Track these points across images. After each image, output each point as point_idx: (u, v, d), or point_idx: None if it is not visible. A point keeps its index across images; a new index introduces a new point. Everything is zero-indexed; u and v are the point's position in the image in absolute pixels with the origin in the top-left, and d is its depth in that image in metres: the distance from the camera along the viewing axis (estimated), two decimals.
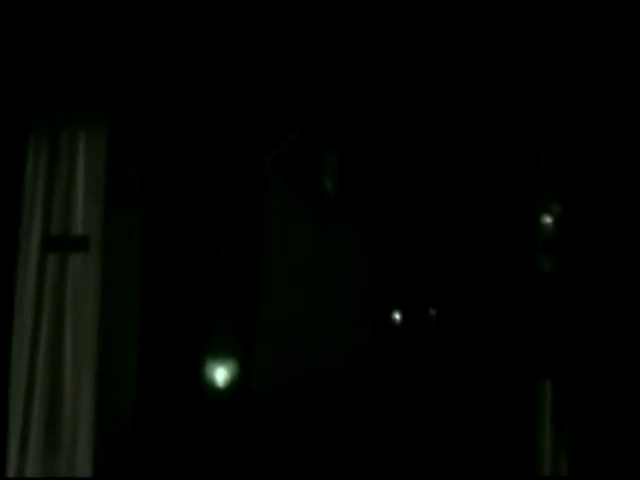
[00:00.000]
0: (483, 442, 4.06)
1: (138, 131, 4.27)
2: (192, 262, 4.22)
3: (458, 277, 4.15)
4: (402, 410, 4.12)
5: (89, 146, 4.29)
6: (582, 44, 4.16)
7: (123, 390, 4.20)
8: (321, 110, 4.30)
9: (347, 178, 4.25)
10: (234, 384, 4.17)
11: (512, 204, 4.20)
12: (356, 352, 4.18)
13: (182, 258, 4.21)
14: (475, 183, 4.23)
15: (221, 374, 4.17)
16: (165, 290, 4.20)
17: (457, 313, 4.15)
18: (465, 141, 4.25)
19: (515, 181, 4.22)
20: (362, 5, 4.24)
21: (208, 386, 4.14)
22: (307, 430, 4.10)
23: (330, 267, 4.22)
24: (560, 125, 4.25)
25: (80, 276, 4.21)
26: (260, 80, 4.28)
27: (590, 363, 4.05)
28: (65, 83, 4.29)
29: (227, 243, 4.21)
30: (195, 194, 4.24)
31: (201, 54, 4.28)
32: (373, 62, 4.26)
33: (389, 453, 4.10)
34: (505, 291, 4.12)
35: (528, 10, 4.14)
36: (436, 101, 4.27)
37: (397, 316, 4.24)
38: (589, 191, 4.18)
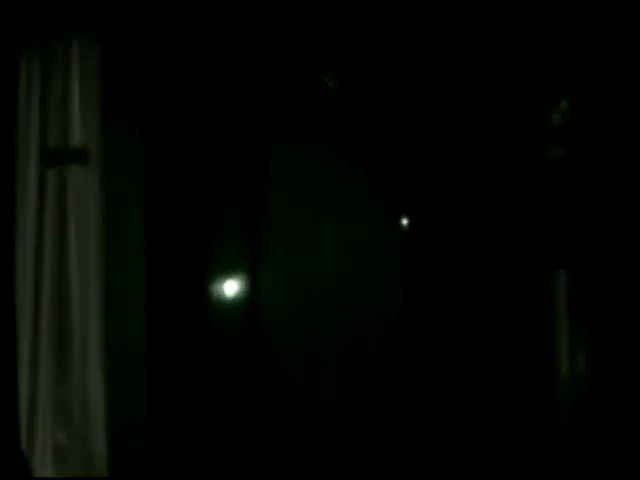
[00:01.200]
0: (498, 336, 4.00)
1: (134, 38, 4.17)
2: (195, 171, 4.14)
3: (468, 167, 4.06)
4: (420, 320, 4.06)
5: (84, 56, 4.18)
6: None
7: (131, 305, 4.16)
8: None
9: (350, 78, 4.16)
10: (243, 300, 4.11)
11: (520, 91, 4.09)
12: (366, 269, 4.10)
13: (184, 167, 4.14)
14: (482, 68, 4.13)
15: (229, 288, 4.11)
16: (168, 200, 4.13)
17: (468, 206, 4.07)
18: (473, 33, 4.14)
19: (524, 68, 4.11)
20: None
21: (217, 301, 4.08)
22: (315, 357, 4.04)
23: (338, 180, 4.13)
24: (571, 12, 4.14)
25: (81, 189, 4.14)
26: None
27: (605, 252, 3.98)
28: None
29: (231, 149, 4.13)
30: (196, 99, 4.15)
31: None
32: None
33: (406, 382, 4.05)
34: (515, 181, 4.04)
35: None
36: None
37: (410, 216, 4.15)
38: (599, 76, 4.08)
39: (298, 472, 4.00)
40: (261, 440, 4.02)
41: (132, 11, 4.16)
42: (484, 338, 4.00)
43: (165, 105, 4.17)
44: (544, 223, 4.03)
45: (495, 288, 4.02)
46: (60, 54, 4.17)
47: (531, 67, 4.11)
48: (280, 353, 4.08)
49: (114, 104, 4.15)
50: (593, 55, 4.09)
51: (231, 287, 4.14)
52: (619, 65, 4.05)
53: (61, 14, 4.19)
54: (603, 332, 3.99)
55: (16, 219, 4.11)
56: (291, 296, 4.12)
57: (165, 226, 4.17)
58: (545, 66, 4.14)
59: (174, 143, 4.15)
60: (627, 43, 4.03)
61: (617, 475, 3.81)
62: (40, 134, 4.14)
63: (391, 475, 3.97)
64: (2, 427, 3.95)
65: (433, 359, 4.02)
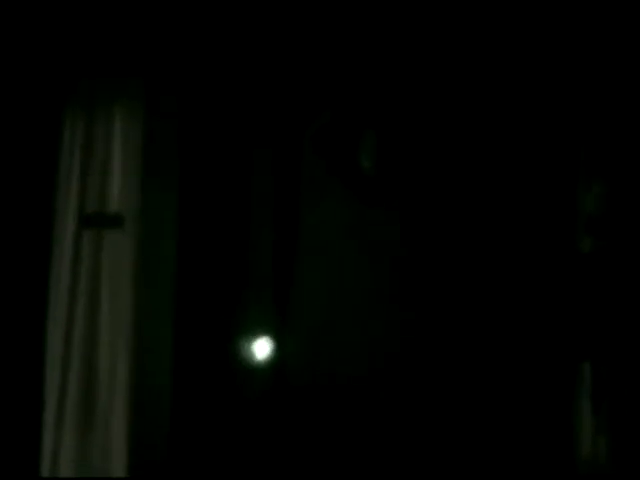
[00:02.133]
0: (522, 425, 4.02)
1: (175, 107, 4.24)
2: (228, 238, 4.20)
3: (499, 257, 4.09)
4: (438, 394, 4.08)
5: (125, 122, 4.27)
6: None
7: (158, 365, 4.21)
8: (359, 90, 4.24)
9: (386, 157, 4.19)
10: (270, 361, 4.15)
11: (553, 183, 4.12)
12: (390, 334, 4.14)
13: (218, 235, 4.20)
14: (516, 161, 4.16)
15: (257, 350, 4.15)
16: (200, 267, 4.19)
17: (498, 294, 4.09)
18: (507, 116, 4.18)
19: (557, 160, 4.14)
20: None
21: (244, 362, 4.13)
22: (341, 412, 4.08)
23: (367, 247, 4.16)
24: (603, 104, 4.17)
25: (115, 253, 4.20)
26: (297, 61, 4.23)
27: (631, 345, 4.00)
28: (102, 57, 4.28)
29: (263, 221, 4.18)
30: (231, 171, 4.22)
31: (239, 32, 4.24)
32: (415, 41, 4.20)
33: (424, 432, 4.08)
34: (546, 271, 4.06)
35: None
36: (479, 76, 4.19)
37: (435, 296, 4.18)
38: (631, 170, 4.10)
39: None
40: None
41: (174, 83, 4.23)
42: (510, 426, 4.02)
43: (201, 173, 4.23)
44: (572, 315, 4.05)
45: (523, 377, 4.04)
46: (102, 121, 4.26)
47: (564, 160, 4.14)
48: (305, 413, 4.12)
49: (152, 171, 4.21)
50: (624, 149, 4.11)
51: (258, 344, 4.19)
52: None
53: (104, 82, 4.27)
54: (625, 422, 4.01)
55: (50, 278, 4.20)
56: (317, 356, 4.16)
57: (195, 286, 4.22)
58: (578, 159, 4.17)
59: (208, 211, 4.21)
60: None
61: None
62: (79, 198, 4.21)
63: None
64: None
65: (459, 443, 4.05)
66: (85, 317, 4.21)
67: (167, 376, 4.18)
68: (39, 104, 4.23)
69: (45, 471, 4.16)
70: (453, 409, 4.05)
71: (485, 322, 4.07)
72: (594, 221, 4.13)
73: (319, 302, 4.19)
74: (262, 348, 4.17)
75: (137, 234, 4.20)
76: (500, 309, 4.07)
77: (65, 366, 4.19)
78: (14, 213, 4.15)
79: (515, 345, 4.04)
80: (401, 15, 4.20)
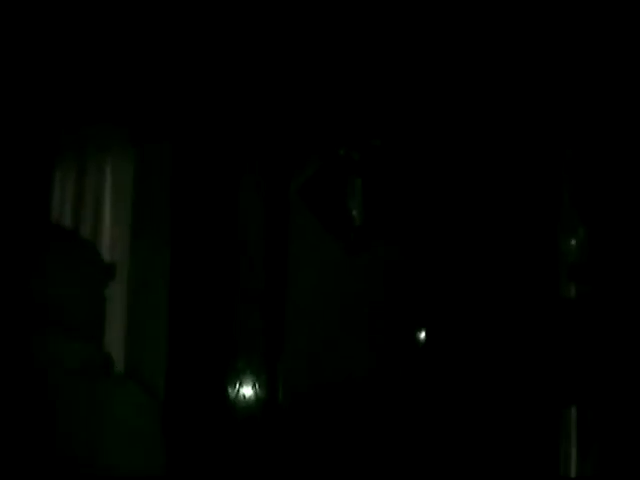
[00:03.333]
0: (509, 472, 4.07)
1: (165, 156, 4.30)
2: (220, 289, 4.24)
3: (481, 303, 4.16)
4: (423, 440, 4.13)
5: (116, 171, 4.33)
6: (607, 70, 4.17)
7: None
8: (345, 134, 4.32)
9: (372, 205, 4.27)
10: (261, 403, 4.19)
11: (535, 228, 4.21)
12: (378, 376, 4.19)
13: (210, 284, 4.25)
14: (497, 207, 4.24)
15: (248, 393, 4.19)
16: (192, 316, 4.23)
17: (480, 339, 4.16)
18: (489, 163, 4.26)
19: (538, 205, 4.23)
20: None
21: (236, 406, 4.16)
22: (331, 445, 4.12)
23: (355, 293, 4.23)
24: (585, 147, 4.26)
25: (107, 302, 4.23)
26: (285, 104, 4.30)
27: (616, 389, 4.06)
28: (90, 109, 4.33)
29: (254, 268, 4.23)
30: (222, 219, 4.27)
31: (226, 78, 4.31)
32: (399, 88, 4.28)
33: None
34: (529, 317, 4.13)
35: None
36: (460, 126, 4.28)
37: (419, 339, 4.24)
38: (614, 214, 4.19)
39: None
40: None
41: (163, 132, 4.29)
42: (497, 471, 4.07)
43: (192, 224, 4.28)
44: (556, 360, 4.12)
45: (509, 422, 4.10)
46: (93, 171, 4.31)
47: (546, 206, 4.23)
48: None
49: (144, 221, 4.27)
50: (607, 194, 4.20)
51: (250, 385, 4.23)
52: (633, 205, 4.16)
53: (95, 131, 4.33)
54: (610, 463, 4.07)
55: None
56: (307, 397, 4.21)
57: (187, 335, 4.25)
58: (560, 204, 4.25)
59: (199, 263, 4.25)
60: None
61: None
62: None
63: None
64: None
65: None
66: None
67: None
68: (28, 159, 4.27)
69: None
70: (439, 454, 4.11)
71: (469, 369, 4.14)
72: (577, 267, 4.22)
73: (306, 354, 4.24)
74: (254, 389, 4.21)
75: (128, 284, 4.24)
76: (484, 355, 4.14)
77: None
78: (6, 268, 4.17)
79: (500, 390, 4.11)
80: (379, 63, 4.29)
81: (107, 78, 4.33)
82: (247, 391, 4.18)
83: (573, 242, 4.25)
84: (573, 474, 4.12)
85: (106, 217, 4.30)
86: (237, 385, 4.20)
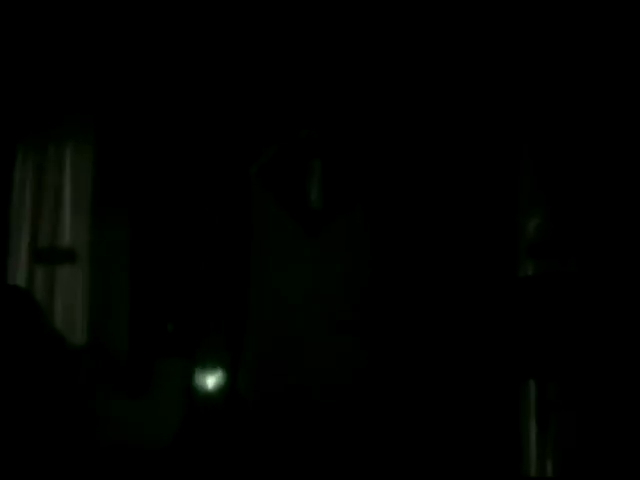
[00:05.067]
0: (470, 444, 4.11)
1: (123, 144, 4.32)
2: (180, 273, 4.26)
3: (442, 281, 4.20)
4: (391, 416, 4.15)
5: (75, 157, 4.34)
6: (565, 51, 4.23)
7: None
8: (305, 120, 4.34)
9: (331, 187, 4.29)
10: (223, 392, 4.20)
11: (494, 207, 4.24)
12: (340, 360, 4.21)
13: (170, 269, 4.26)
14: (458, 187, 4.28)
15: (211, 383, 4.20)
16: (153, 301, 4.25)
17: (442, 317, 4.19)
18: (448, 144, 4.30)
19: (498, 183, 4.26)
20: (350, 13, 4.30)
21: (199, 395, 4.17)
22: (296, 435, 4.14)
23: (317, 274, 4.25)
24: (543, 125, 4.30)
25: (68, 287, 4.26)
26: (245, 90, 4.33)
27: (573, 363, 4.09)
28: (53, 96, 4.35)
29: (215, 253, 4.25)
30: (181, 204, 4.29)
31: (187, 66, 4.33)
32: (358, 71, 4.31)
33: (380, 456, 4.14)
34: (488, 294, 4.17)
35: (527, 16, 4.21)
36: (420, 106, 4.31)
37: (385, 320, 4.26)
38: (572, 191, 4.23)
39: None
40: None
41: (123, 119, 4.31)
42: (458, 445, 4.10)
43: (153, 206, 4.30)
44: (516, 336, 4.15)
45: (469, 399, 4.14)
46: (53, 158, 4.32)
47: (505, 186, 4.26)
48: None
49: (103, 205, 4.28)
50: (564, 173, 4.24)
51: (212, 380, 4.24)
52: (592, 180, 4.20)
53: (55, 120, 4.34)
54: (569, 438, 4.11)
55: None
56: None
57: (149, 324, 4.27)
58: (518, 184, 4.29)
59: (162, 247, 4.27)
60: (598, 161, 4.19)
61: None
62: (31, 233, 4.27)
63: None
64: None
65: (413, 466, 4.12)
66: None
67: None
68: None
69: None
70: (405, 429, 4.13)
71: (431, 344, 4.17)
72: (535, 245, 4.25)
73: (270, 333, 4.25)
74: (215, 379, 4.22)
75: (89, 268, 4.25)
76: (445, 331, 4.17)
77: None
78: None
79: (461, 366, 4.14)
80: (341, 46, 4.32)
81: (68, 67, 4.36)
82: (207, 377, 4.21)
83: (532, 221, 4.29)
84: (533, 448, 4.15)
85: (66, 202, 4.31)
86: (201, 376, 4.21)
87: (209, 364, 4.20)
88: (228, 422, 4.15)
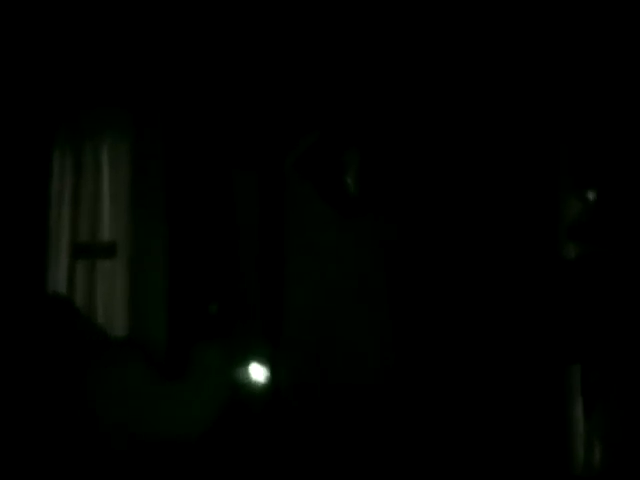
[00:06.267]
0: (515, 431, 4.06)
1: (161, 136, 4.33)
2: (216, 266, 4.27)
3: (484, 266, 4.15)
4: (430, 403, 4.13)
5: (113, 152, 4.36)
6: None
7: None
8: (340, 110, 4.32)
9: (368, 175, 4.27)
10: (262, 381, 4.20)
11: (536, 190, 4.18)
12: (380, 348, 4.18)
13: (206, 261, 4.27)
14: (498, 169, 4.22)
15: (249, 371, 4.20)
16: (191, 290, 4.26)
17: (483, 302, 4.15)
18: (489, 122, 4.24)
19: (539, 168, 4.20)
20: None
21: (238, 384, 4.17)
22: (334, 427, 4.12)
23: (353, 262, 4.23)
24: (584, 104, 4.23)
25: (108, 281, 4.29)
26: (277, 81, 4.31)
27: (618, 348, 4.04)
28: (90, 90, 4.37)
29: (250, 245, 4.25)
30: (217, 196, 4.29)
31: (220, 59, 4.33)
32: (393, 59, 4.28)
33: (415, 446, 4.11)
34: (531, 278, 4.12)
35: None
36: (458, 90, 4.26)
37: (421, 304, 4.23)
38: (614, 175, 4.16)
39: None
40: None
41: (159, 112, 4.32)
42: (503, 432, 4.06)
43: (188, 200, 4.32)
44: (559, 319, 4.10)
45: (513, 383, 4.09)
46: (91, 153, 4.35)
47: (546, 168, 4.20)
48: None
49: (141, 198, 4.30)
50: (607, 155, 4.17)
51: (251, 371, 4.24)
52: (633, 165, 4.13)
53: (92, 114, 4.36)
54: (616, 422, 4.05)
55: None
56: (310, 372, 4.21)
57: (187, 312, 4.27)
58: (560, 166, 4.23)
59: (196, 236, 4.28)
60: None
61: None
62: (71, 229, 4.30)
63: None
64: None
65: (454, 452, 4.09)
66: None
67: None
68: (28, 139, 4.31)
69: None
70: (446, 417, 4.10)
71: (474, 330, 4.13)
72: (577, 227, 4.19)
73: (309, 322, 4.23)
74: (253, 367, 4.22)
75: (129, 262, 4.28)
76: (488, 316, 4.13)
77: None
78: (8, 246, 4.22)
79: (505, 351, 4.10)
80: (376, 36, 4.29)
81: (106, 62, 4.37)
82: (245, 365, 4.21)
83: (574, 203, 4.23)
84: (580, 431, 4.10)
85: (105, 197, 4.34)
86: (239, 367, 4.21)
87: (247, 351, 4.20)
88: (266, 413, 4.15)
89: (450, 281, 4.20)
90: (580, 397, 4.10)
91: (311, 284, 4.20)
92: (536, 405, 4.08)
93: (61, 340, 3.15)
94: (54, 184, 4.34)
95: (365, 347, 4.14)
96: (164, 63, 4.36)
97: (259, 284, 4.22)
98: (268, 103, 4.32)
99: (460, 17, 4.25)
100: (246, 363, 4.16)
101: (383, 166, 4.29)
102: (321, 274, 4.20)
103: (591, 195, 4.19)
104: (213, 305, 4.10)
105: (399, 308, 4.20)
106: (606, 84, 4.18)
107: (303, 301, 4.20)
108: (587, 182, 4.22)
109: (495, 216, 4.20)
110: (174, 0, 4.31)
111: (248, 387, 4.12)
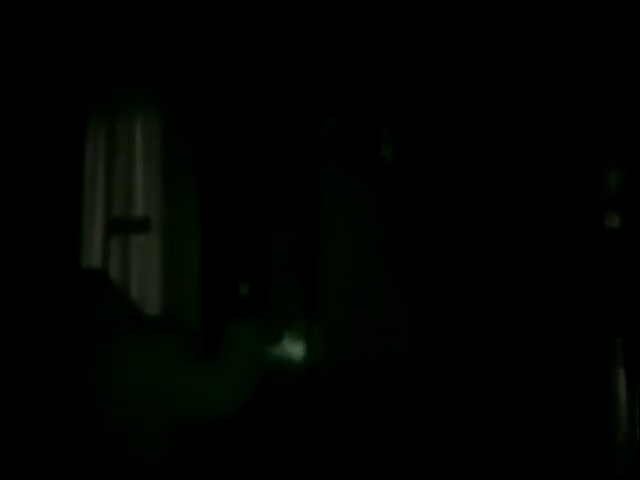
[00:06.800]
0: (558, 407, 4.00)
1: (193, 110, 4.29)
2: (251, 241, 4.23)
3: (525, 238, 4.07)
4: (468, 381, 4.07)
5: (145, 126, 4.34)
6: None
7: None
8: (372, 85, 4.25)
9: (402, 148, 4.19)
10: (298, 361, 4.18)
11: (577, 160, 4.08)
12: (415, 327, 4.13)
13: (239, 237, 4.24)
14: (538, 139, 4.13)
15: (284, 350, 4.17)
16: (224, 271, 4.23)
17: (525, 275, 4.07)
18: (526, 98, 4.15)
19: (580, 137, 4.10)
20: None
21: (273, 364, 4.14)
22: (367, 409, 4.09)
23: (389, 239, 4.17)
24: (624, 76, 4.12)
25: (143, 256, 4.28)
26: (310, 58, 4.25)
27: None
28: (121, 65, 4.34)
29: (286, 221, 4.20)
30: (250, 170, 4.26)
31: (252, 38, 4.27)
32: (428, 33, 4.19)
33: (456, 423, 4.07)
34: (572, 249, 4.03)
35: None
36: (493, 60, 4.17)
37: (459, 276, 4.16)
38: None
39: None
40: None
41: (191, 88, 4.27)
42: (547, 411, 4.01)
43: (220, 173, 4.28)
44: (601, 292, 4.02)
45: (555, 356, 4.03)
46: (124, 128, 4.32)
47: (588, 137, 4.10)
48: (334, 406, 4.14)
49: (174, 172, 4.27)
50: None
51: (286, 341, 4.22)
52: None
53: (125, 87, 4.33)
54: None
55: None
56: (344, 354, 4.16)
57: (221, 286, 4.25)
58: (602, 135, 4.12)
59: (229, 210, 4.25)
60: None
61: None
62: (104, 204, 4.29)
63: None
64: None
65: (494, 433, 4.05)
66: None
67: None
68: (60, 115, 4.29)
69: None
70: (484, 394, 4.05)
71: (515, 304, 4.05)
72: (619, 197, 4.09)
73: (343, 300, 4.19)
74: (291, 348, 4.19)
75: (163, 237, 4.26)
76: (530, 290, 4.05)
77: None
78: (43, 222, 4.23)
79: (546, 324, 4.02)
80: (412, 11, 4.19)
81: (139, 37, 4.34)
82: (280, 344, 4.18)
83: (616, 172, 4.12)
84: (623, 402, 4.03)
85: (138, 173, 4.32)
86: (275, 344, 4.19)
87: (281, 330, 4.18)
88: (301, 393, 4.13)
89: (491, 257, 4.13)
90: (623, 369, 4.03)
91: (345, 263, 4.16)
92: (579, 377, 4.01)
93: (97, 315, 3.13)
94: (87, 159, 4.32)
95: (400, 329, 4.09)
96: (195, 38, 4.32)
97: (295, 262, 4.18)
98: (300, 77, 4.26)
99: None
100: (280, 342, 4.14)
101: (419, 141, 4.21)
102: (356, 253, 4.15)
103: (634, 163, 4.09)
104: (245, 283, 4.07)
105: (435, 288, 4.14)
106: None
107: (337, 281, 4.15)
108: (630, 150, 4.11)
109: (536, 188, 4.11)
110: None
111: (282, 366, 4.11)
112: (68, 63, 4.32)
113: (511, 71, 4.15)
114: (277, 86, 4.26)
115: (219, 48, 4.30)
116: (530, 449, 4.00)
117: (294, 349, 4.16)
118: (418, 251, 4.16)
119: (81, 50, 4.32)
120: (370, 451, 4.07)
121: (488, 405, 4.03)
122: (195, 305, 4.14)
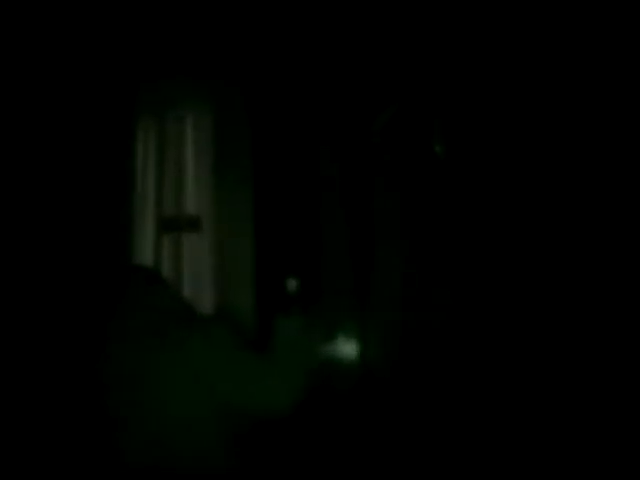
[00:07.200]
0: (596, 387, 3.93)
1: (244, 107, 4.28)
2: (303, 241, 4.22)
3: (568, 227, 4.01)
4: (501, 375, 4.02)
5: (196, 126, 4.35)
6: None
7: None
8: (424, 81, 4.21)
9: (450, 143, 4.16)
10: (352, 359, 4.15)
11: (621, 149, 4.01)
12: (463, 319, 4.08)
13: (292, 236, 4.23)
14: (588, 126, 4.06)
15: (338, 350, 4.15)
16: (276, 268, 4.22)
17: (566, 268, 4.01)
18: (575, 91, 4.08)
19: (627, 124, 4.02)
20: None
21: (326, 361, 4.12)
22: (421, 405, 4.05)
23: (441, 235, 4.13)
24: None
25: (195, 255, 4.29)
26: (363, 52, 4.22)
27: None
28: (169, 63, 4.34)
29: (337, 219, 4.18)
30: (303, 169, 4.24)
31: (303, 34, 4.26)
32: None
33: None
34: (614, 240, 3.96)
35: None
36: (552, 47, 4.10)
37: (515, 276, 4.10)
38: None
39: None
40: None
41: (242, 84, 4.26)
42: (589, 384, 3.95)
43: (273, 170, 4.27)
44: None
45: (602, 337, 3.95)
46: (175, 126, 4.32)
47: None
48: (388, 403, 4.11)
49: (225, 171, 4.27)
50: None
51: (340, 338, 4.19)
52: None
53: (175, 86, 4.34)
54: None
55: None
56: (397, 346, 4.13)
57: (274, 285, 4.24)
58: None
59: (284, 212, 4.24)
60: None
61: None
62: (156, 203, 4.30)
63: None
64: None
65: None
66: None
67: None
68: (111, 115, 4.31)
69: None
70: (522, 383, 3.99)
71: (553, 297, 3.99)
72: None
73: (396, 295, 4.16)
74: (345, 345, 4.16)
75: (215, 235, 4.26)
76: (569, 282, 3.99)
77: None
78: (96, 220, 4.24)
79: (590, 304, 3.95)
80: (464, 10, 4.15)
81: (186, 33, 4.34)
82: (334, 342, 4.16)
83: None
84: None
85: (189, 171, 4.32)
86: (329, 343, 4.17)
87: (334, 327, 4.15)
88: (354, 390, 4.10)
89: (548, 257, 4.06)
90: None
91: (398, 259, 4.12)
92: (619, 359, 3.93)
93: (151, 312, 3.14)
94: (139, 159, 4.34)
95: (450, 325, 4.05)
96: (246, 34, 4.31)
97: (348, 258, 4.16)
98: (352, 73, 4.24)
99: None
100: (334, 339, 4.12)
101: (467, 133, 4.17)
102: (409, 249, 4.12)
103: None
104: (297, 280, 4.06)
105: (488, 285, 4.09)
106: None
107: (391, 278, 4.12)
108: None
109: (584, 181, 4.05)
110: None
111: (336, 364, 4.09)
112: (120, 59, 4.33)
113: (572, 69, 4.10)
114: (330, 85, 4.25)
115: (271, 42, 4.29)
116: (542, 450, 3.94)
117: (347, 346, 4.14)
118: (470, 247, 4.12)
119: (132, 45, 4.33)
120: (424, 448, 4.04)
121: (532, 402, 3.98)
122: (248, 303, 4.14)
